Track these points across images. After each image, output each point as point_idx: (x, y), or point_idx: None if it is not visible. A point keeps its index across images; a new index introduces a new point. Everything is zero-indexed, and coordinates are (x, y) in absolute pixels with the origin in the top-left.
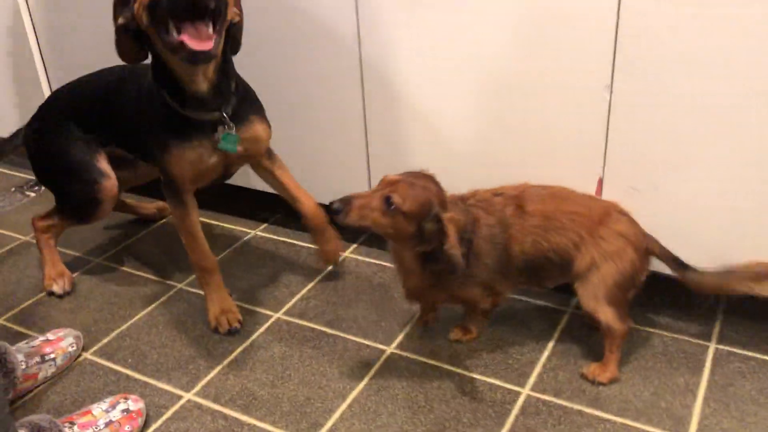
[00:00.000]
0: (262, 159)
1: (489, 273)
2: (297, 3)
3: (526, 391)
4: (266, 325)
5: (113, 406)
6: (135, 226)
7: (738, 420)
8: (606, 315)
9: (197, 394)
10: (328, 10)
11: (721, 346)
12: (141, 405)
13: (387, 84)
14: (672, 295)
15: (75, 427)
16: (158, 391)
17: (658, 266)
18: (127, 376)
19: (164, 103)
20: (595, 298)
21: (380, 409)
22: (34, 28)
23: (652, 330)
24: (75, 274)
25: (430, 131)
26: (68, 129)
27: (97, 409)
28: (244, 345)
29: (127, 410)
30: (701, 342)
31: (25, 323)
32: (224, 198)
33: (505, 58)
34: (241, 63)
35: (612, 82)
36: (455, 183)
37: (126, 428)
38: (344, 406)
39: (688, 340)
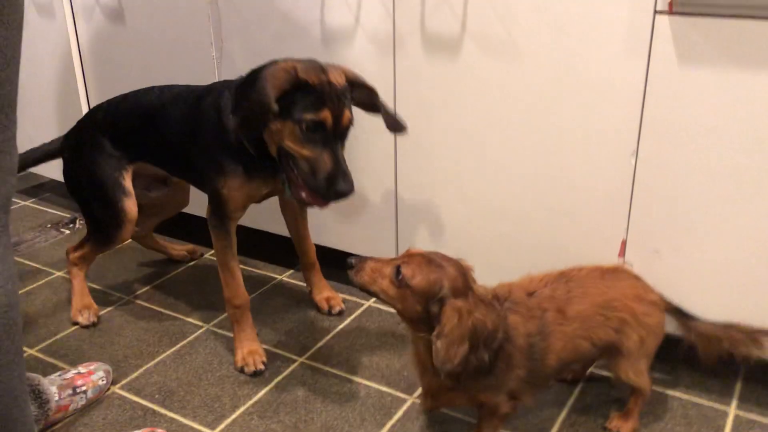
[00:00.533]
0: None
1: (519, 383)
2: (336, 53)
3: None
4: (290, 369)
5: None
6: (166, 266)
7: None
8: (644, 381)
9: None
10: (366, 65)
11: (740, 413)
12: None
13: (418, 139)
14: (693, 359)
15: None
16: (184, 428)
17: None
18: (154, 411)
19: (237, 138)
20: (637, 370)
21: None
22: (81, 58)
23: (672, 393)
24: (107, 310)
25: (458, 187)
26: (101, 144)
27: None
28: (269, 387)
29: None
30: (721, 407)
31: (57, 355)
32: (253, 242)
33: (536, 121)
34: None
35: (638, 149)
36: (480, 238)
37: None
38: None
39: (708, 405)
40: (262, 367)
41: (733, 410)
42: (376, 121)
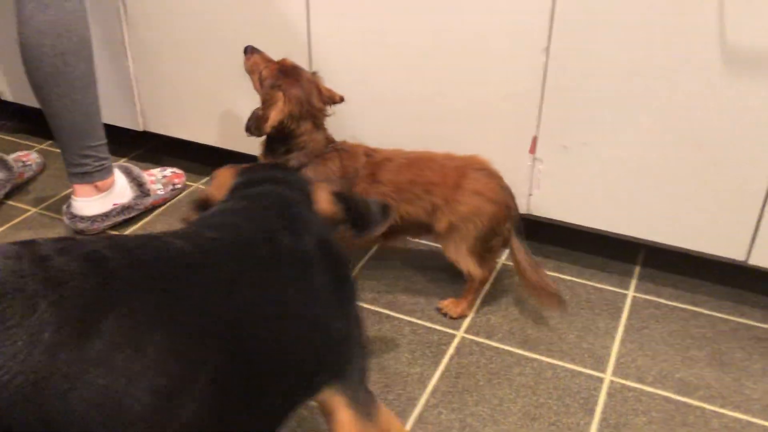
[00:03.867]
0: None
1: None
2: None
3: (460, 334)
4: None
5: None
6: None
7: (650, 358)
8: (467, 265)
9: None
10: None
11: (637, 294)
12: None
13: (332, 29)
14: (596, 249)
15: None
16: None
17: (589, 224)
18: None
19: None
20: (457, 252)
21: None
22: None
23: (577, 280)
24: None
25: (370, 90)
26: None
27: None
28: None
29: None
30: (620, 291)
31: None
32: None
33: (447, 16)
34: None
35: (549, 45)
36: (393, 139)
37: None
38: None
39: (609, 289)
40: None
41: (631, 293)
42: (291, 42)
